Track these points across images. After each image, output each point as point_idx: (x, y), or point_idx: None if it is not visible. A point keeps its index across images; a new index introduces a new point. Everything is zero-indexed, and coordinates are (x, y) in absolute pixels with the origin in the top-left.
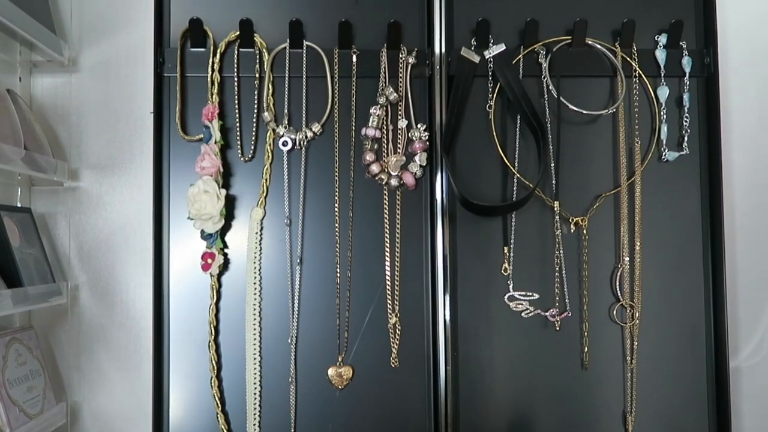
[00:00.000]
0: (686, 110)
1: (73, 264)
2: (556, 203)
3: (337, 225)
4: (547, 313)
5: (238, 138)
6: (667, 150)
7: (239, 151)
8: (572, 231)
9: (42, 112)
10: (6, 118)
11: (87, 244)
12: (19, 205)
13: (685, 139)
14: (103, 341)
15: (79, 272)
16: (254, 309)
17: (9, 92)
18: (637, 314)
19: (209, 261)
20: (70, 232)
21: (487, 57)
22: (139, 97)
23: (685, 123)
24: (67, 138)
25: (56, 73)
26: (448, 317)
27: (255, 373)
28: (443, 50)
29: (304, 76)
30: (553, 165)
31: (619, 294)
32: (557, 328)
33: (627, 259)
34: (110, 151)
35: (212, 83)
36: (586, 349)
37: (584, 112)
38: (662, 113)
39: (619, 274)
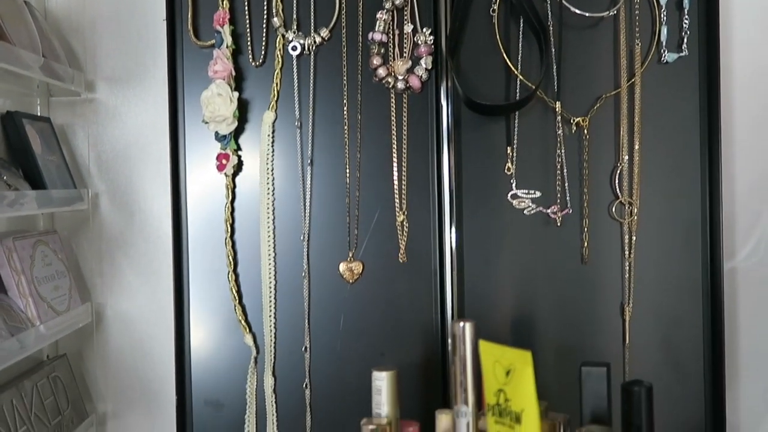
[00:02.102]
0: (686, 12)
1: (92, 173)
2: (558, 104)
3: (346, 127)
4: (549, 210)
5: (248, 43)
6: (666, 52)
7: (250, 56)
8: (573, 131)
9: (56, 24)
10: (24, 28)
11: (105, 154)
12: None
13: (685, 40)
14: (123, 247)
15: (99, 181)
16: (268, 207)
17: (26, 3)
18: (635, 210)
19: (224, 162)
20: (88, 143)
21: None
22: (149, 8)
23: (684, 25)
24: (81, 50)
25: None
26: (453, 215)
27: (270, 268)
28: None
29: None
30: (554, 67)
31: (618, 191)
32: (558, 225)
33: (626, 158)
34: (124, 63)
35: None
36: (586, 244)
37: (586, 14)
38: (662, 15)
39: (618, 172)
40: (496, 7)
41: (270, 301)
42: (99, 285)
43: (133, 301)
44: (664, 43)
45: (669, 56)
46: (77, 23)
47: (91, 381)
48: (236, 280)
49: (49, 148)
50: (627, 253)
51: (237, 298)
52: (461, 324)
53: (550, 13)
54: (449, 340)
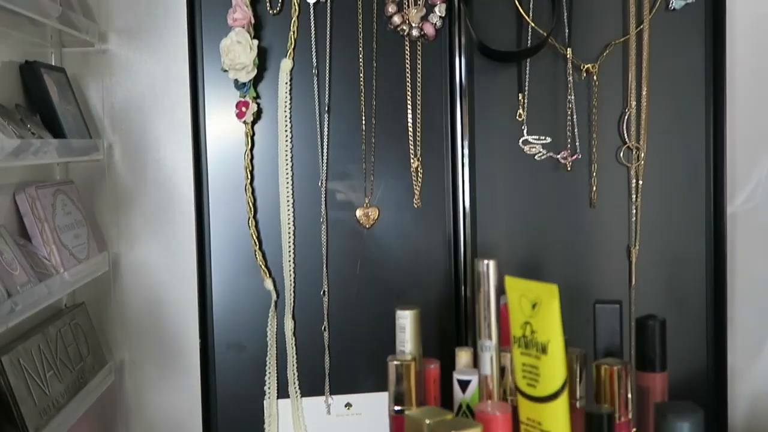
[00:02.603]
0: None
1: (105, 125)
2: (569, 50)
3: (361, 75)
4: (559, 156)
5: None
6: None
7: (268, 4)
8: (583, 78)
9: None
10: None
11: (118, 104)
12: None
13: None
14: (137, 198)
15: (112, 132)
16: (286, 154)
17: None
18: (642, 155)
19: (243, 109)
20: (102, 94)
21: None
22: None
23: None
24: (93, 1)
25: None
26: (466, 160)
27: (289, 214)
28: None
29: None
30: (565, 14)
31: (626, 137)
32: (568, 169)
33: (634, 103)
34: (136, 14)
35: None
36: (594, 188)
37: None
38: None
39: (626, 118)
40: None
41: (289, 247)
42: (115, 235)
43: (149, 251)
44: None
45: (676, 3)
46: None
47: (108, 329)
48: (256, 226)
49: (65, 98)
50: (634, 197)
51: (257, 243)
52: (485, 262)
53: None
54: (469, 279)
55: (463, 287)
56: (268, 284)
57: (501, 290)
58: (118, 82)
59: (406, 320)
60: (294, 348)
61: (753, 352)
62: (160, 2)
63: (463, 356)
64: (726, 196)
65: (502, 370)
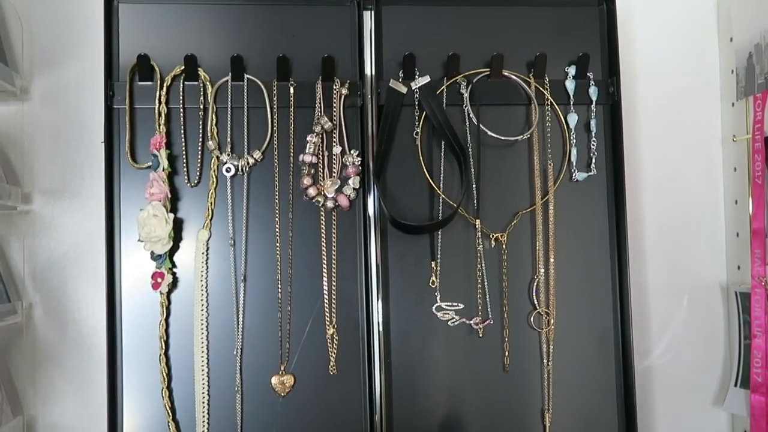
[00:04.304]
0: (593, 135)
1: (26, 284)
2: (478, 221)
3: (277, 244)
4: (471, 322)
5: (184, 165)
6: (576, 171)
7: (186, 177)
8: (493, 246)
9: None
10: None
11: (40, 264)
12: None
13: (593, 160)
14: (56, 357)
15: (33, 292)
16: (201, 324)
17: None
18: (552, 320)
19: (159, 280)
20: (24, 254)
21: (413, 88)
22: (88, 125)
23: (592, 146)
24: (19, 163)
25: (8, 102)
26: (381, 327)
27: (203, 384)
28: (373, 82)
29: (245, 107)
30: (474, 186)
31: (536, 302)
32: (481, 335)
33: (542, 270)
34: (61, 176)
35: (159, 114)
36: (507, 353)
37: (502, 138)
38: (572, 138)
39: (535, 284)
40: (419, 130)
41: (203, 417)
42: (31, 396)
43: (65, 412)
44: (574, 163)
45: (579, 175)
46: (14, 137)
47: None
48: (170, 396)
49: None
50: (546, 361)
51: (170, 414)
52: None
53: (469, 136)
54: None
55: None
56: None
57: None
58: (40, 242)
59: None
60: None
61: None
62: (85, 164)
63: None
64: (633, 356)
65: None
